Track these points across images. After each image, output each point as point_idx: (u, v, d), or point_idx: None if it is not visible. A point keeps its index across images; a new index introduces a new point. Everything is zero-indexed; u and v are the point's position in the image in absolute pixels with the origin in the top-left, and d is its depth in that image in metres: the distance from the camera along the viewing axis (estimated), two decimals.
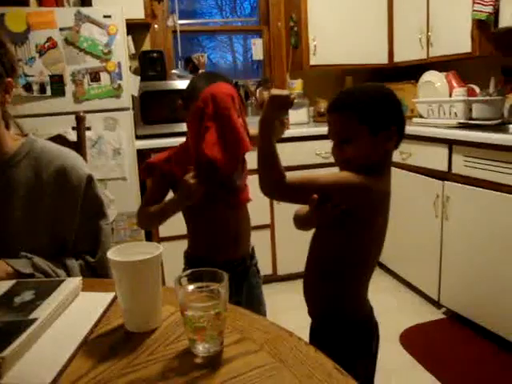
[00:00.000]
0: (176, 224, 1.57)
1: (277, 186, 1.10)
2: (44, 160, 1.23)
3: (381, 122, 1.13)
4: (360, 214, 1.13)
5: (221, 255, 1.46)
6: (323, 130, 3.03)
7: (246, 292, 1.56)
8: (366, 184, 1.11)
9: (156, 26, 3.42)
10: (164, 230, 2.77)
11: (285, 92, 1.11)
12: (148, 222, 1.57)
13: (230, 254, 1.51)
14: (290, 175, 1.11)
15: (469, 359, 2.24)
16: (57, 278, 1.14)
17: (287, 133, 3.02)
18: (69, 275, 1.17)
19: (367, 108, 1.12)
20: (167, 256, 1.62)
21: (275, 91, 1.10)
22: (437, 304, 2.71)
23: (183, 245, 1.58)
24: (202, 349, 0.74)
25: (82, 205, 1.25)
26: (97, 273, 1.24)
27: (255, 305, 1.59)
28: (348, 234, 1.16)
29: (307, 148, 3.04)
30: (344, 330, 1.18)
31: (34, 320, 0.80)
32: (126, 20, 2.67)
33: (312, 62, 3.37)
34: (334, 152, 1.18)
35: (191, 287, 0.76)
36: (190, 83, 1.51)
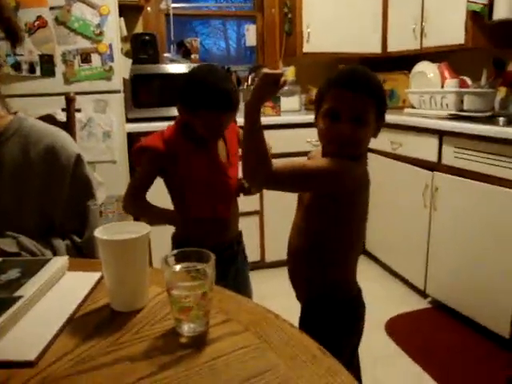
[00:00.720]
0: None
1: (266, 175, 1.07)
2: (33, 138, 1.21)
3: (384, 111, 1.17)
4: (345, 198, 1.14)
5: (208, 239, 1.45)
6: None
7: (233, 277, 1.56)
8: (353, 170, 1.12)
9: (149, 8, 3.38)
10: None
11: (277, 71, 1.08)
12: (138, 215, 1.57)
13: (218, 239, 1.51)
14: (275, 162, 1.08)
15: (453, 348, 2.27)
16: (43, 257, 1.13)
17: (278, 119, 3.06)
18: (55, 255, 1.17)
19: (383, 97, 1.17)
20: (155, 239, 1.62)
21: (267, 70, 1.08)
22: (423, 293, 2.74)
23: (171, 228, 1.58)
24: (187, 329, 0.74)
25: (71, 184, 1.24)
26: (82, 252, 1.23)
27: (241, 290, 1.59)
28: (332, 218, 1.17)
29: (298, 135, 3.04)
30: (331, 311, 1.20)
31: (20, 297, 0.80)
32: (119, 1, 2.63)
33: (305, 50, 3.36)
34: (341, 132, 1.11)
35: (178, 267, 0.76)
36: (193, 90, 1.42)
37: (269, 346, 0.70)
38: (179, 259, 0.77)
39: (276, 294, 2.11)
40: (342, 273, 1.22)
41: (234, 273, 1.57)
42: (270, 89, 1.06)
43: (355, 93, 1.10)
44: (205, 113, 1.38)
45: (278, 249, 3.02)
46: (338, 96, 1.12)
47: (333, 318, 1.19)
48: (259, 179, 1.11)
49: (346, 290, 1.24)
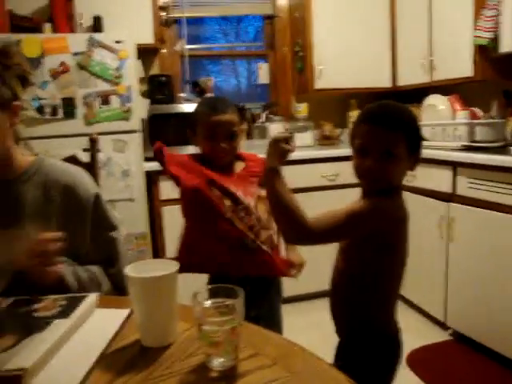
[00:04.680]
0: None
1: (303, 234, 1.08)
2: (53, 177, 1.27)
3: (417, 146, 1.16)
4: (380, 239, 1.14)
5: (239, 268, 1.50)
6: (328, 152, 3.10)
7: (267, 307, 1.60)
8: (384, 207, 1.12)
9: (164, 50, 3.50)
10: (171, 251, 2.79)
11: (285, 134, 1.14)
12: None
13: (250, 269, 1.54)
14: (309, 218, 1.07)
15: (475, 380, 2.23)
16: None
17: (292, 155, 3.09)
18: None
19: (415, 132, 1.16)
20: (181, 277, 1.64)
21: (277, 134, 1.14)
22: (443, 325, 2.70)
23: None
24: (217, 363, 0.76)
25: (92, 221, 1.28)
26: (117, 286, 1.26)
27: (274, 320, 1.64)
28: (371, 258, 1.16)
29: (312, 170, 3.07)
30: (369, 349, 1.19)
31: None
32: (137, 45, 2.75)
33: (317, 86, 3.43)
34: (370, 167, 1.11)
35: (208, 303, 0.79)
36: (193, 110, 1.63)
37: (297, 379, 0.72)
38: (209, 295, 0.80)
39: (296, 329, 2.11)
40: (380, 313, 1.22)
41: (268, 303, 1.61)
42: (281, 151, 1.11)
43: (380, 127, 1.11)
44: (201, 121, 1.54)
45: (295, 284, 3.02)
46: (365, 131, 1.14)
47: (371, 356, 1.19)
48: (299, 239, 1.15)
49: (384, 329, 1.23)
